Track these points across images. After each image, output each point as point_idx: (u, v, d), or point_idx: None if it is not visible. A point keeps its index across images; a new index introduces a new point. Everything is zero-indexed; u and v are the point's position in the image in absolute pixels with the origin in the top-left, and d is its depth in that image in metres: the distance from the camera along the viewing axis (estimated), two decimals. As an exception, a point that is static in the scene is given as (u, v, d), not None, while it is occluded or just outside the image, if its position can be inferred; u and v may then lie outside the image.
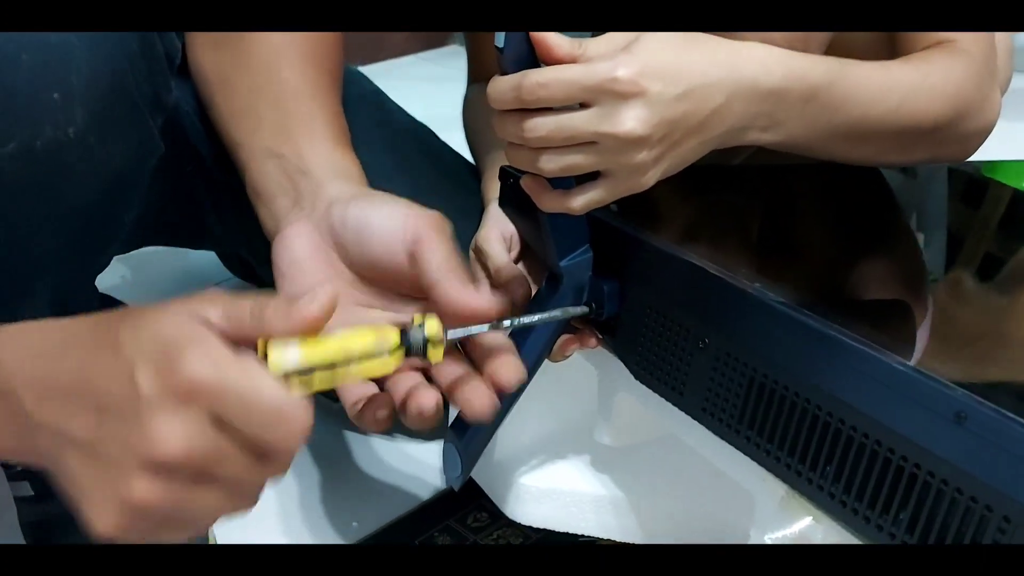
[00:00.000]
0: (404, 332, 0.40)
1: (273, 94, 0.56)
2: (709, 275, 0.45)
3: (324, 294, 0.37)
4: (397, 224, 0.46)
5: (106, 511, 0.35)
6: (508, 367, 0.42)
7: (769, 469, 0.42)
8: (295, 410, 0.35)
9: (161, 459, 0.33)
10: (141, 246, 0.84)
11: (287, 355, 0.37)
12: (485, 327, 0.46)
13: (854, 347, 0.38)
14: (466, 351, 0.45)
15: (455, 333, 0.43)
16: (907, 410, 0.36)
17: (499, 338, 0.44)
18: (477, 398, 0.41)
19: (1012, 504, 0.33)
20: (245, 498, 0.37)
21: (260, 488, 0.37)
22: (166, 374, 0.33)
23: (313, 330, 0.37)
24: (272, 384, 0.34)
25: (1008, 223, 0.65)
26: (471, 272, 0.57)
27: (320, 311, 0.37)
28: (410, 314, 0.43)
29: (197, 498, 0.35)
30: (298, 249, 0.50)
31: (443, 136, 0.82)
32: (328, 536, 0.67)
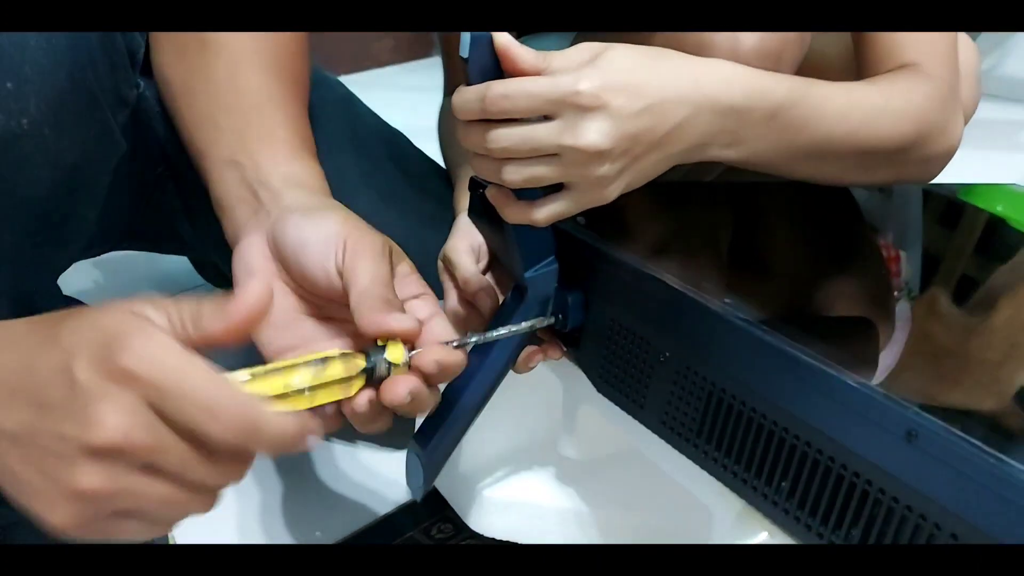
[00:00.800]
0: (367, 356, 0.41)
1: (233, 102, 0.56)
2: (670, 288, 0.45)
3: (254, 291, 0.37)
4: (330, 248, 0.46)
5: (55, 505, 0.34)
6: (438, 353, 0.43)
7: (726, 483, 0.42)
8: (233, 404, 0.34)
9: (99, 444, 0.33)
10: (111, 250, 0.84)
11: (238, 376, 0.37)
12: (452, 342, 0.47)
13: (809, 364, 0.38)
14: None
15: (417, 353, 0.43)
16: (860, 427, 0.36)
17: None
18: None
19: (959, 522, 0.33)
20: (199, 497, 0.36)
21: (215, 488, 0.36)
22: (103, 362, 0.33)
23: (249, 326, 0.37)
24: (210, 376, 0.34)
25: (984, 246, 0.66)
26: (442, 281, 0.57)
27: (249, 310, 0.36)
28: (349, 331, 0.44)
29: (144, 488, 0.34)
30: (253, 261, 0.49)
31: (425, 146, 0.82)
32: (290, 543, 0.66)
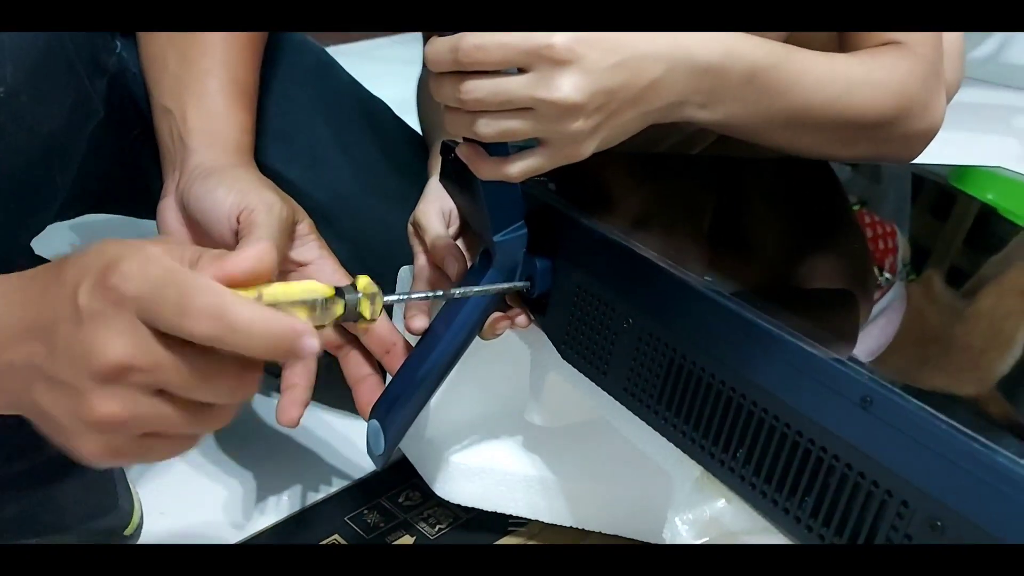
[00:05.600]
0: (340, 292, 0.39)
1: (185, 45, 0.56)
2: (633, 254, 0.45)
3: (254, 252, 0.36)
4: (230, 207, 0.49)
5: (82, 437, 0.35)
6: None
7: (685, 450, 0.42)
8: (202, 298, 0.33)
9: (104, 368, 0.33)
10: (87, 212, 0.83)
11: None
12: (423, 294, 0.48)
13: (766, 329, 0.38)
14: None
15: (390, 299, 0.43)
16: (815, 393, 0.36)
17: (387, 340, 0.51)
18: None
19: (910, 489, 0.33)
20: (212, 414, 0.35)
21: (225, 403, 0.36)
22: (99, 286, 0.33)
23: (241, 282, 0.36)
24: (187, 277, 0.33)
25: (974, 236, 0.65)
26: (411, 245, 0.57)
27: (247, 265, 0.36)
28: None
29: (159, 411, 0.34)
30: (168, 221, 0.52)
31: (412, 117, 0.80)
32: (258, 509, 0.66)
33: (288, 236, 0.52)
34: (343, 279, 0.50)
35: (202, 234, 0.51)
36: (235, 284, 0.35)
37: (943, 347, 0.46)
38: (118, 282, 0.33)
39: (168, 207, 0.52)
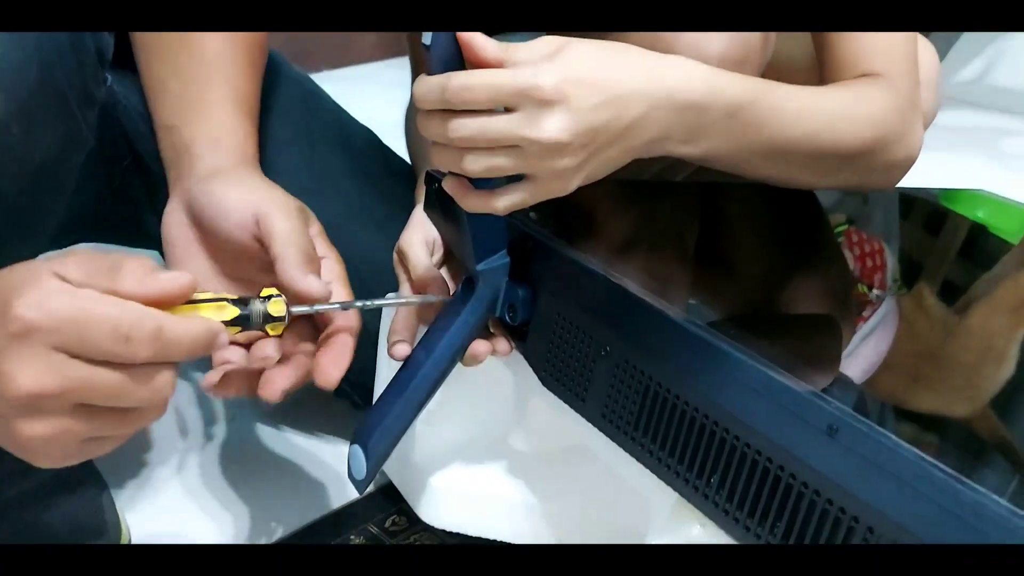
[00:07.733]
0: (246, 304, 0.43)
1: (184, 64, 0.57)
2: (612, 284, 0.46)
3: (178, 280, 0.39)
4: (246, 211, 0.50)
5: (24, 454, 0.37)
6: (328, 365, 0.48)
7: (661, 477, 0.43)
8: (136, 319, 0.35)
9: (17, 398, 0.35)
10: (77, 242, 0.83)
11: None
12: (336, 305, 0.49)
13: (737, 358, 0.39)
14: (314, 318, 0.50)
15: (299, 309, 0.46)
16: (785, 422, 0.37)
17: (347, 322, 0.49)
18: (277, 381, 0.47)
19: (876, 515, 0.34)
20: (143, 413, 0.38)
21: (154, 404, 0.38)
22: (3, 318, 0.35)
23: (159, 303, 0.38)
24: (107, 303, 0.35)
25: (966, 252, 0.66)
26: (397, 267, 0.58)
27: (170, 287, 0.38)
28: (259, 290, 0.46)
29: (87, 423, 0.36)
30: (171, 227, 0.52)
31: (402, 141, 0.81)
32: (245, 536, 0.67)
33: (308, 238, 0.53)
34: (343, 288, 0.52)
35: (213, 235, 0.51)
36: (157, 303, 0.38)
37: (936, 364, 0.47)
38: (22, 312, 0.35)
39: (174, 211, 0.53)
